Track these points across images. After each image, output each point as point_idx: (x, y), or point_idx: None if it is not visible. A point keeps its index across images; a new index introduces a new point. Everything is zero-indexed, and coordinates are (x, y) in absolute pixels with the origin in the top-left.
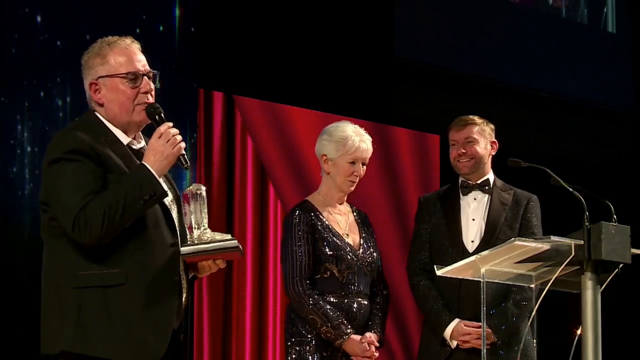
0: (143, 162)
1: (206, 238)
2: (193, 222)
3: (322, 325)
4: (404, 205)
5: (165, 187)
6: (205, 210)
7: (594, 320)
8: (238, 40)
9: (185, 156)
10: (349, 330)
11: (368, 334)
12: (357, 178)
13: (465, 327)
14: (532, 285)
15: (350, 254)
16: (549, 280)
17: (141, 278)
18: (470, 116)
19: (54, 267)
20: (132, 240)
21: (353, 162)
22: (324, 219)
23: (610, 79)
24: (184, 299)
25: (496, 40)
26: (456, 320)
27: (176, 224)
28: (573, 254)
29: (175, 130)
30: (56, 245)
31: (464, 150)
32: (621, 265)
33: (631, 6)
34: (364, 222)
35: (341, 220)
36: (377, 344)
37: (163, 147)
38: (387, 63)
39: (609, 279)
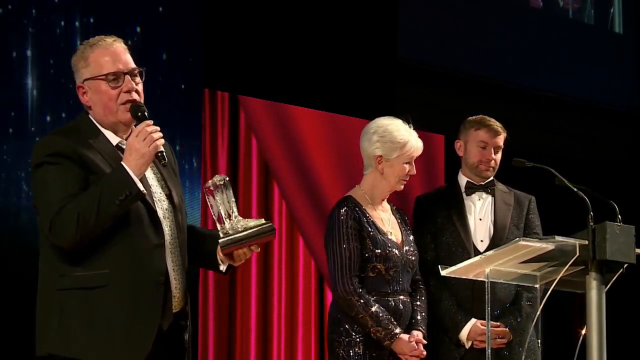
0: (122, 162)
1: (240, 227)
2: (222, 213)
3: (372, 325)
4: (408, 204)
5: (141, 186)
6: (233, 199)
7: (598, 320)
8: (243, 41)
9: (164, 153)
10: (397, 330)
11: (415, 333)
12: (409, 177)
13: (482, 327)
14: (537, 286)
15: (396, 251)
16: (554, 281)
17: (123, 280)
18: (495, 120)
19: (43, 270)
20: (114, 242)
21: (408, 162)
22: (369, 215)
23: (616, 79)
24: (176, 300)
25: (501, 40)
26: (473, 320)
27: (163, 222)
28: (578, 254)
29: (153, 128)
30: (45, 248)
31: (494, 157)
32: (626, 265)
33: (638, 7)
34: (402, 219)
35: (384, 218)
36: (424, 342)
37: (139, 146)
38: (391, 63)
39: (613, 279)
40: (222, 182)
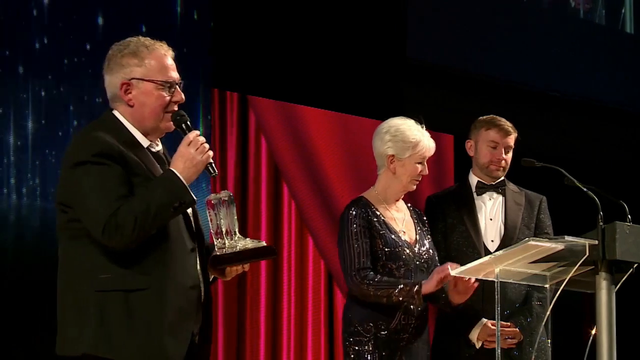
0: (172, 168)
1: (240, 245)
2: (224, 228)
3: (393, 292)
4: (418, 204)
5: (194, 196)
6: (235, 216)
7: (608, 320)
8: (252, 41)
9: (213, 164)
10: (414, 281)
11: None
12: (422, 177)
13: (492, 327)
14: (547, 286)
15: (407, 250)
16: (564, 281)
17: (163, 283)
18: (506, 120)
19: (73, 269)
20: (154, 245)
21: (421, 162)
22: (380, 215)
23: (627, 80)
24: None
25: (510, 40)
26: (483, 320)
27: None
28: (587, 254)
29: (203, 138)
30: (75, 246)
31: (505, 156)
32: (635, 265)
33: None
34: (419, 219)
35: (398, 217)
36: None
37: (193, 155)
38: (400, 63)
39: (623, 278)
40: (227, 198)
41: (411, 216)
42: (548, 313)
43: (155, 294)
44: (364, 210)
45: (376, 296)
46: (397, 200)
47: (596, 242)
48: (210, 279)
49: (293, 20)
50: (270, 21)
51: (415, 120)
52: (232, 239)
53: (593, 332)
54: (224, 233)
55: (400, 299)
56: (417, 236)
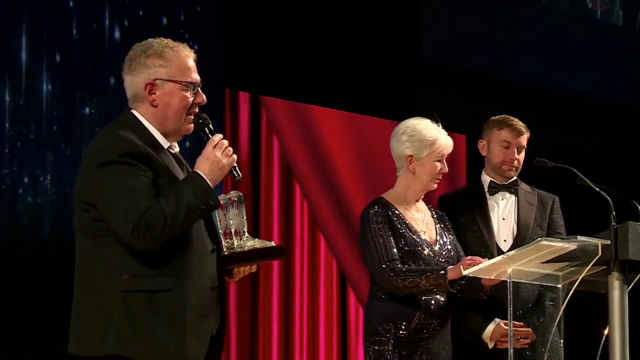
0: (197, 170)
1: (249, 245)
2: (233, 229)
3: (422, 281)
4: (430, 204)
5: (219, 198)
6: (245, 216)
7: (621, 320)
8: (264, 41)
9: (238, 168)
10: (440, 267)
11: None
12: (442, 175)
13: (505, 327)
14: (559, 285)
15: (427, 250)
16: (576, 281)
17: (187, 284)
18: (518, 120)
19: (95, 269)
20: (177, 246)
21: (439, 160)
22: (400, 215)
23: None
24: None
25: (523, 40)
26: (496, 320)
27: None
28: (600, 254)
29: (227, 142)
30: (97, 246)
31: (517, 156)
32: None
33: None
34: (441, 219)
35: (418, 218)
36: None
37: (219, 158)
38: (413, 63)
39: (636, 278)
40: (236, 199)
41: (432, 216)
42: (561, 313)
43: (178, 295)
44: (384, 209)
45: (405, 287)
46: (417, 201)
47: (609, 242)
48: None
49: (305, 19)
50: (281, 21)
51: (431, 119)
52: (240, 239)
53: (605, 332)
54: (232, 233)
55: (428, 286)
56: (437, 236)
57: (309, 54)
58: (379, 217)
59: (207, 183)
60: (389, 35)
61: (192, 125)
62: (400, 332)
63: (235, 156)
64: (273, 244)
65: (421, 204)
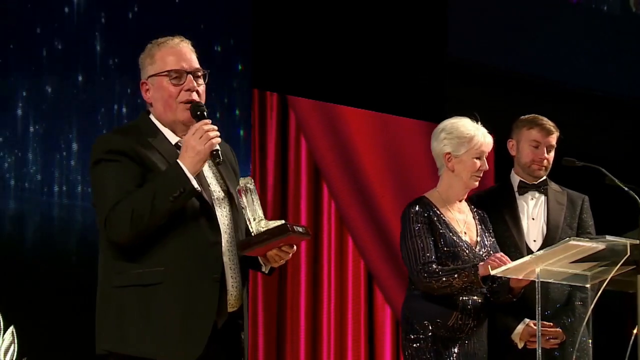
0: (177, 159)
1: (261, 228)
2: (249, 216)
3: (455, 280)
4: None
5: (195, 183)
6: (258, 202)
7: None
8: (292, 41)
9: (219, 152)
10: (471, 264)
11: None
12: (482, 172)
13: (535, 327)
14: (588, 285)
15: (467, 251)
16: (604, 280)
17: (177, 277)
18: (547, 119)
19: (101, 267)
20: (169, 239)
21: (479, 158)
22: (441, 215)
23: None
24: (230, 297)
25: (551, 39)
26: (525, 321)
27: (220, 220)
28: (629, 253)
29: (210, 127)
30: (103, 245)
31: (547, 156)
32: None
33: None
34: (482, 221)
35: (459, 218)
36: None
37: (195, 143)
38: (441, 63)
39: None
40: (247, 186)
41: (474, 217)
42: (589, 313)
43: (169, 288)
44: (425, 209)
45: (440, 288)
46: (460, 201)
47: (637, 241)
48: (267, 270)
49: (333, 19)
50: (310, 21)
51: (470, 118)
52: (258, 224)
53: (635, 332)
54: (251, 220)
55: (462, 284)
56: (478, 237)
57: (337, 54)
58: (419, 217)
59: (181, 169)
60: (417, 34)
61: (189, 113)
62: (438, 330)
63: (216, 140)
64: (280, 222)
65: (464, 205)
